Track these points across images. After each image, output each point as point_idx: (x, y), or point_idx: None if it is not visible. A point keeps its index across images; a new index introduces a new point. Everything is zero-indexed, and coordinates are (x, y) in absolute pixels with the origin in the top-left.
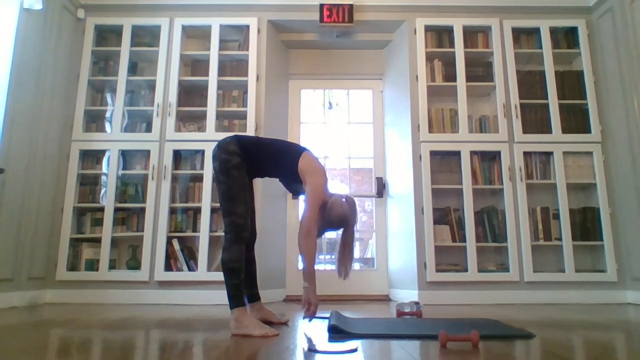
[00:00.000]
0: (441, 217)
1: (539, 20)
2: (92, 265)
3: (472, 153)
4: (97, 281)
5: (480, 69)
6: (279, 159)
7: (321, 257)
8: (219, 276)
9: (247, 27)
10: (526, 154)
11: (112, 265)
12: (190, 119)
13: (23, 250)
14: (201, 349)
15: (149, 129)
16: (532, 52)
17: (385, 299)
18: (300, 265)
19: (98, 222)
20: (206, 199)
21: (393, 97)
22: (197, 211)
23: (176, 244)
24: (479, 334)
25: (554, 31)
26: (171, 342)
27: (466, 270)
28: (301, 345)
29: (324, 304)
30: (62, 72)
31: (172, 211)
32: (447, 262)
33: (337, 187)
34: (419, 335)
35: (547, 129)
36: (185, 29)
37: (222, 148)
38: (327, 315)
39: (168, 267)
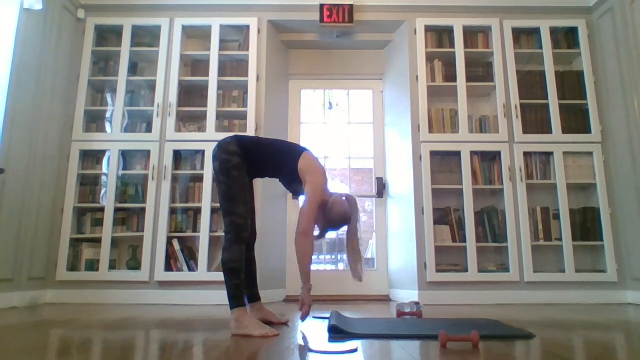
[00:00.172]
0: (441, 217)
1: (539, 20)
2: (92, 265)
3: (472, 153)
4: (97, 281)
5: (480, 69)
6: (279, 159)
7: (321, 257)
8: (219, 276)
9: (247, 27)
10: (526, 154)
11: (112, 265)
12: (190, 119)
13: (23, 250)
14: (201, 349)
15: (149, 129)
16: (532, 52)
17: (385, 299)
18: None
19: (98, 222)
20: (206, 199)
21: (393, 97)
22: (197, 211)
23: (176, 244)
24: (479, 334)
25: (554, 31)
26: (171, 342)
27: (466, 270)
28: (301, 345)
29: (324, 304)
30: (62, 72)
31: (172, 211)
32: (447, 262)
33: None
34: (419, 335)
35: (547, 129)
36: (185, 29)
37: (222, 148)
38: (327, 315)
39: (168, 267)
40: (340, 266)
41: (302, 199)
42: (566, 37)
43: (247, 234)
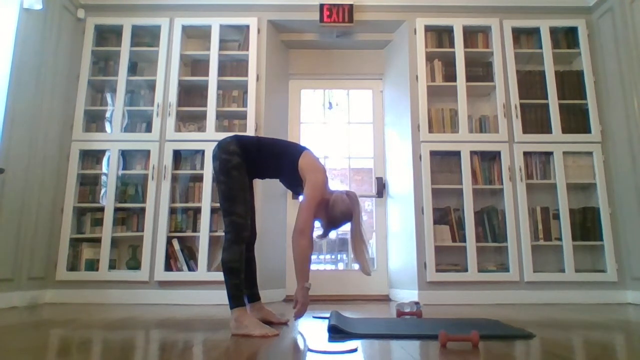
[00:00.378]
0: (441, 217)
1: (539, 20)
2: (92, 265)
3: (472, 153)
4: (97, 281)
5: (480, 69)
6: (280, 159)
7: (321, 257)
8: (219, 276)
9: (247, 27)
10: (526, 154)
11: (112, 265)
12: (190, 119)
13: (23, 250)
14: (201, 349)
15: (149, 129)
16: (532, 52)
17: (385, 299)
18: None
19: (98, 222)
20: (206, 199)
21: (393, 97)
22: (197, 211)
23: (176, 244)
24: (479, 334)
25: (554, 31)
26: (171, 342)
27: (466, 270)
28: (300, 345)
29: (324, 304)
30: (62, 72)
31: (172, 211)
32: (447, 262)
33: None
34: (419, 335)
35: (547, 129)
36: (185, 29)
37: (222, 148)
38: (327, 315)
39: (168, 267)
40: (340, 266)
41: (302, 198)
42: (566, 37)
43: (247, 234)
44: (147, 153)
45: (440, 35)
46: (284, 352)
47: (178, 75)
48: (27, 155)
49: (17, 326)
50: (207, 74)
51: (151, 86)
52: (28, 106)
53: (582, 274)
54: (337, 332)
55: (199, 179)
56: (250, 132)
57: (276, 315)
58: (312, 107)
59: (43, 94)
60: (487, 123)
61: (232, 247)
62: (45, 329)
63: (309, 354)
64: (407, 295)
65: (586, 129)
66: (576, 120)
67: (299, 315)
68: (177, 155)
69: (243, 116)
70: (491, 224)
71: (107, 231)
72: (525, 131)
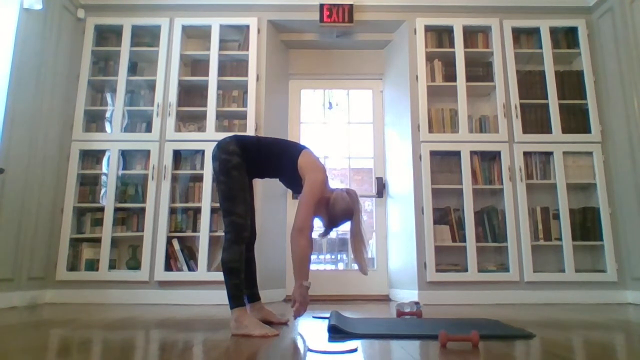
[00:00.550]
0: (441, 217)
1: (539, 20)
2: (92, 265)
3: (472, 153)
4: (97, 281)
5: (480, 69)
6: (279, 158)
7: (321, 257)
8: (219, 276)
9: (247, 27)
10: (526, 154)
11: (112, 265)
12: (190, 119)
13: (23, 250)
14: (201, 349)
15: (149, 129)
16: (532, 52)
17: (385, 299)
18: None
19: (98, 222)
20: (206, 199)
21: (393, 97)
22: (197, 211)
23: (176, 244)
24: (479, 334)
25: (554, 31)
26: (171, 342)
27: (466, 270)
28: (300, 345)
29: (324, 304)
30: (62, 72)
31: (172, 211)
32: (447, 262)
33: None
34: (419, 335)
35: (547, 129)
36: (185, 29)
37: (221, 148)
38: (327, 315)
39: (168, 267)
40: (340, 266)
41: None
42: (566, 37)
43: (247, 234)
44: (147, 153)
45: (440, 35)
46: (284, 352)
47: (178, 75)
48: (27, 155)
49: (17, 326)
50: (207, 74)
51: (151, 86)
52: (28, 106)
53: (582, 274)
54: (337, 332)
55: (199, 179)
56: (250, 132)
57: (276, 315)
58: (312, 107)
59: (43, 94)
60: (487, 123)
61: (232, 247)
62: (45, 329)
63: (309, 354)
64: (407, 295)
65: (586, 129)
66: (576, 120)
67: (298, 314)
68: (177, 155)
69: (243, 116)
70: (491, 224)
71: (107, 231)
72: (525, 131)
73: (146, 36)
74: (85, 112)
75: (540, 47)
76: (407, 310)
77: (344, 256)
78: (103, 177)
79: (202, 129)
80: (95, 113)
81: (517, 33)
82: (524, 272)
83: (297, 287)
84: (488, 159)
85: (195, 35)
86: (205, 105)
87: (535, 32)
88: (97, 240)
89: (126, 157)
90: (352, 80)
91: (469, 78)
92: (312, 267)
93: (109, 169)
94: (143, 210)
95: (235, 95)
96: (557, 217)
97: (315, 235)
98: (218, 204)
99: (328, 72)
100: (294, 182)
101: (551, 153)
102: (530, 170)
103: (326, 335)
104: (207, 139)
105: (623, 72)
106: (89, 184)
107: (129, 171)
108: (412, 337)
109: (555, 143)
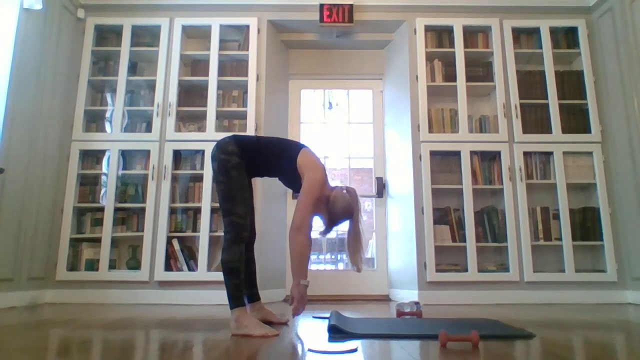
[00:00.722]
0: (441, 217)
1: (539, 20)
2: (92, 265)
3: (472, 153)
4: (97, 281)
5: (480, 69)
6: (279, 158)
7: (321, 257)
8: (219, 276)
9: (247, 27)
10: (526, 154)
11: (112, 265)
12: (190, 119)
13: (23, 250)
14: (201, 349)
15: (149, 129)
16: (532, 52)
17: (385, 299)
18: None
19: (98, 222)
20: (206, 199)
21: (393, 97)
22: (197, 211)
23: (176, 244)
24: (479, 334)
25: (554, 31)
26: (171, 342)
27: (466, 270)
28: (300, 345)
29: (324, 304)
30: (62, 72)
31: (172, 211)
32: (447, 262)
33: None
34: (419, 335)
35: (547, 129)
36: (185, 29)
37: (220, 148)
38: (327, 315)
39: (168, 267)
40: (340, 266)
41: None
42: (566, 37)
43: (247, 234)
44: (147, 153)
45: (440, 35)
46: (284, 352)
47: (178, 75)
48: (27, 155)
49: (17, 326)
50: (207, 74)
51: (151, 86)
52: (28, 106)
53: (582, 274)
54: (337, 332)
55: (199, 179)
56: (250, 132)
57: (276, 315)
58: (312, 107)
59: (43, 94)
60: (487, 123)
61: (231, 247)
62: (45, 329)
63: (309, 354)
64: (407, 295)
65: (586, 129)
66: (576, 120)
67: (296, 312)
68: (177, 155)
69: (243, 116)
70: (491, 224)
71: (107, 231)
72: (525, 131)
73: (146, 36)
74: (85, 112)
75: (540, 47)
76: (407, 310)
77: (344, 256)
78: (103, 177)
79: (202, 129)
80: (95, 113)
81: (517, 33)
82: (524, 272)
83: (295, 285)
84: (488, 159)
85: (195, 35)
86: (205, 105)
87: (535, 32)
88: (97, 240)
89: (126, 157)
90: (352, 80)
91: (469, 78)
92: (312, 267)
93: (109, 169)
94: (143, 210)
95: (235, 95)
96: (557, 217)
97: (315, 234)
98: (218, 204)
99: (328, 72)
100: (294, 182)
101: (551, 153)
102: (530, 170)
103: (326, 335)
104: (207, 139)
105: (623, 72)
106: (89, 184)
107: (129, 171)
108: (412, 337)
109: (555, 143)
